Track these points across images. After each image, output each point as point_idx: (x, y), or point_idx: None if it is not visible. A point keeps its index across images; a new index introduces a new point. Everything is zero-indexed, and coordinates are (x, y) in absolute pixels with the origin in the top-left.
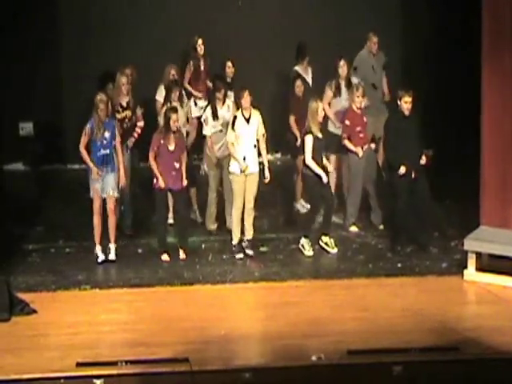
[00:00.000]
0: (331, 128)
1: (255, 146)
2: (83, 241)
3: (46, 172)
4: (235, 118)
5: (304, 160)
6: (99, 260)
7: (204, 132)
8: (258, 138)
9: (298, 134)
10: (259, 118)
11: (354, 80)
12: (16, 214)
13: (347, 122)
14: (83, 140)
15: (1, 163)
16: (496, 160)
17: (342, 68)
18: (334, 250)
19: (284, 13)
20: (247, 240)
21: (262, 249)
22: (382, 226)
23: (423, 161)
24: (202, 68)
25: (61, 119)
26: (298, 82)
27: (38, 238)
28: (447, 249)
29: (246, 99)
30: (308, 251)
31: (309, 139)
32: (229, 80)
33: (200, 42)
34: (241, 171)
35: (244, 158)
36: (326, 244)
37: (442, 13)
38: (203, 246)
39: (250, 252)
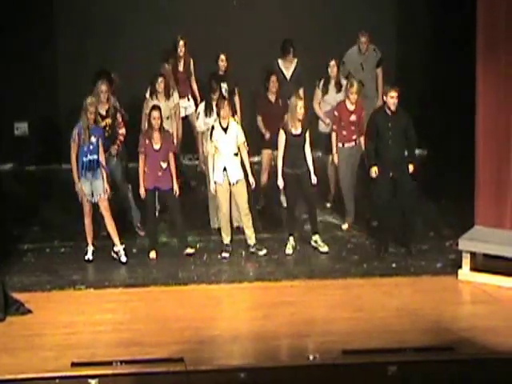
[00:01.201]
0: (321, 128)
1: (236, 155)
2: (78, 241)
3: (41, 172)
4: (213, 128)
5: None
6: (86, 258)
7: (197, 128)
8: (239, 147)
9: (264, 131)
10: (237, 126)
11: (343, 81)
12: (11, 213)
13: (336, 113)
14: (73, 147)
15: None
16: (491, 160)
17: (332, 68)
18: (325, 249)
19: (280, 11)
20: (253, 244)
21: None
22: (346, 226)
23: (410, 169)
24: (181, 69)
25: (56, 119)
26: (273, 78)
27: (34, 238)
28: (442, 249)
29: (226, 109)
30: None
31: (281, 135)
32: (221, 73)
33: (181, 43)
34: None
35: (224, 169)
36: (315, 242)
37: (438, 12)
38: (198, 245)
39: (261, 252)
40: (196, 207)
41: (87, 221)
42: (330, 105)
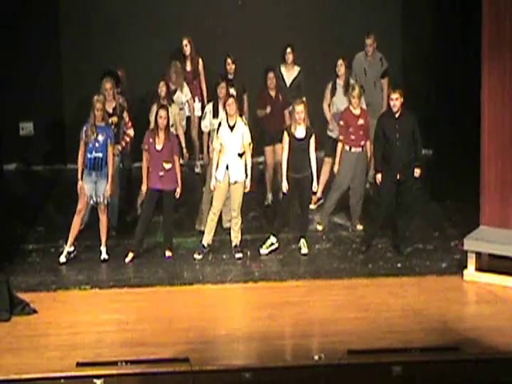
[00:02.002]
0: (328, 132)
1: (240, 156)
2: (83, 240)
3: (46, 172)
4: (220, 124)
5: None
6: (61, 260)
7: (203, 128)
8: (244, 147)
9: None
10: (244, 127)
11: (352, 81)
12: (16, 213)
13: (341, 123)
14: (81, 145)
15: (1, 163)
16: (496, 160)
17: (340, 68)
18: (305, 251)
19: (284, 12)
20: (234, 246)
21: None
22: (360, 227)
23: (417, 174)
24: (189, 69)
25: (61, 119)
26: (271, 75)
27: (38, 238)
28: (447, 249)
29: (232, 106)
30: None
31: (285, 137)
32: (230, 77)
33: (185, 42)
34: (213, 187)
35: (227, 167)
36: (302, 244)
37: (443, 12)
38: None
39: (239, 255)
40: (199, 207)
41: (77, 219)
42: (337, 106)
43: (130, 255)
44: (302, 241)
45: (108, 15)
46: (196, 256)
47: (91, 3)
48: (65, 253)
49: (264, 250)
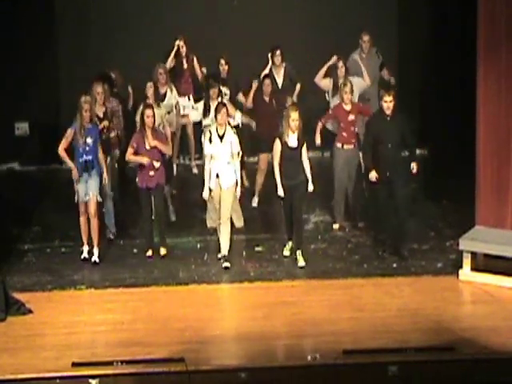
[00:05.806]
0: (329, 126)
1: (229, 163)
2: (79, 241)
3: (41, 172)
4: (211, 132)
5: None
6: (82, 257)
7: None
8: (233, 156)
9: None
10: (234, 136)
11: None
12: (12, 213)
13: (330, 111)
14: (63, 142)
15: None
16: (491, 160)
17: (340, 69)
18: (302, 264)
19: (279, 13)
20: (223, 256)
21: (258, 248)
22: (336, 226)
23: (414, 169)
24: (186, 67)
25: (56, 119)
26: (267, 81)
27: (34, 238)
28: (443, 249)
29: (223, 115)
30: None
31: (277, 143)
32: (223, 77)
33: (181, 42)
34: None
35: (217, 175)
36: (296, 256)
37: (439, 12)
38: (198, 245)
39: (226, 264)
40: (195, 207)
41: (82, 220)
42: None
43: (150, 252)
44: (298, 252)
45: (104, 16)
46: (225, 264)
47: (87, 4)
48: (85, 251)
49: (287, 252)
